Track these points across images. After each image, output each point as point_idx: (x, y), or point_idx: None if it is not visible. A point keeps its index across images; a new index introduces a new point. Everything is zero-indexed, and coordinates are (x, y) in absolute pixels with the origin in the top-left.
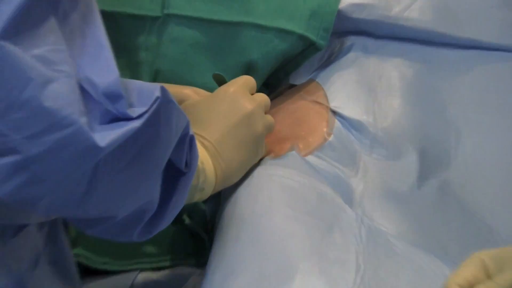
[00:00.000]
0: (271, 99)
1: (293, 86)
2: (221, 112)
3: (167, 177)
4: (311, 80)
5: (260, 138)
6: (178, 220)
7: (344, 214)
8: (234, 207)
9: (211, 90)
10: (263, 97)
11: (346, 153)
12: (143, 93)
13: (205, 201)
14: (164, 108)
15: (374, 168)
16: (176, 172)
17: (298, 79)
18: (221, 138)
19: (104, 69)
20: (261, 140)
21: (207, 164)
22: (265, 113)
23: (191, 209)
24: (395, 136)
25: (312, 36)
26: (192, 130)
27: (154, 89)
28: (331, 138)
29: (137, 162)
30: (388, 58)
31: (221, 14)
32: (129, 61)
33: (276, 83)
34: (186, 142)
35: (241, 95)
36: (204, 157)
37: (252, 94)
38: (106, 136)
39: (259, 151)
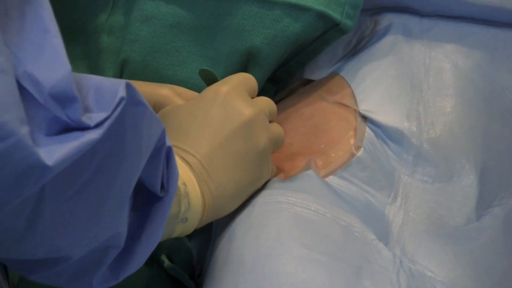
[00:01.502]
0: (280, 100)
1: (310, 82)
2: (211, 120)
3: (137, 203)
4: (334, 75)
5: (264, 154)
6: (154, 261)
7: (378, 254)
8: (230, 245)
9: (198, 88)
10: (266, 102)
11: (380, 173)
12: (103, 93)
13: (190, 237)
14: (131, 113)
15: (418, 193)
16: (149, 196)
17: (316, 72)
18: (211, 154)
19: (50, 61)
20: (265, 157)
21: (192, 186)
22: (271, 121)
23: (172, 247)
24: (447, 150)
25: (335, 14)
26: (170, 142)
27: (117, 87)
28: (360, 153)
29: (96, 184)
30: (438, 43)
31: None
32: (86, 49)
33: (287, 78)
34: (162, 157)
35: (237, 97)
36: (187, 177)
37: (253, 98)
38: (54, 152)
39: (263, 171)
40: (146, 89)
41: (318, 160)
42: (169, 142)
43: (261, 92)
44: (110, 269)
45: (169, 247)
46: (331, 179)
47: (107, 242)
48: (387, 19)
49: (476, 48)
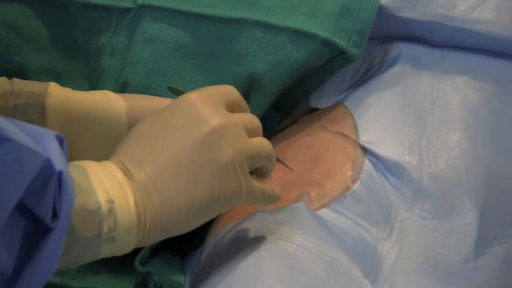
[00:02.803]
0: (284, 128)
1: (315, 110)
2: (169, 128)
3: (25, 234)
4: (338, 104)
5: (229, 168)
6: None
7: None
8: (207, 278)
9: None
10: (246, 116)
11: (376, 207)
12: None
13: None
14: None
15: (415, 229)
16: (39, 226)
17: (322, 100)
18: (161, 165)
19: None
20: (232, 172)
21: (123, 203)
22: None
23: (163, 280)
24: (447, 186)
25: (341, 42)
26: (62, 165)
27: None
28: (356, 186)
29: None
30: (447, 75)
31: (214, 7)
32: (87, 70)
33: (291, 105)
34: (51, 187)
35: (204, 105)
36: (118, 193)
37: (234, 111)
38: None
39: (229, 187)
40: (148, 102)
41: (312, 192)
42: (60, 167)
43: (265, 119)
44: None
45: (160, 279)
46: (323, 211)
47: None
48: (397, 48)
49: (486, 81)
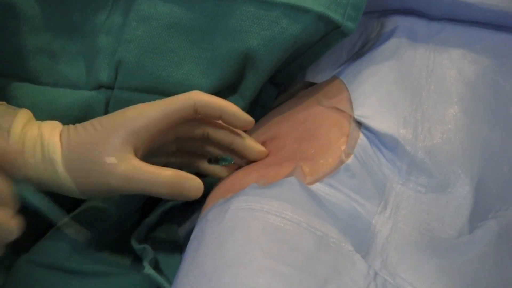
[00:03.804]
0: (281, 103)
1: (312, 85)
2: None
3: None
4: (334, 78)
5: None
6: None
7: (351, 266)
8: (196, 253)
9: (192, 87)
10: None
11: (370, 181)
12: None
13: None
14: None
15: (410, 203)
16: None
17: (318, 75)
18: None
19: None
20: None
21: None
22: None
23: (159, 259)
24: (442, 159)
25: (335, 16)
26: None
27: None
28: (350, 160)
29: None
30: (444, 48)
31: None
32: (83, 49)
33: (288, 80)
34: None
35: None
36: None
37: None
38: None
39: None
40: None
41: (305, 167)
42: None
43: (263, 94)
44: None
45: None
46: (317, 186)
47: None
48: (393, 21)
49: (483, 54)
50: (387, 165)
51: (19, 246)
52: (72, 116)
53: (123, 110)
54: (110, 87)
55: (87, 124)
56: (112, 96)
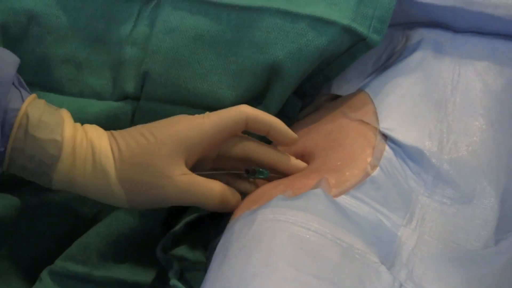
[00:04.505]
0: (306, 115)
1: (337, 97)
2: None
3: None
4: (359, 91)
5: None
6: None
7: (376, 278)
8: (222, 264)
9: (218, 101)
10: None
11: (396, 193)
12: None
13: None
14: None
15: (435, 215)
16: None
17: (343, 87)
18: None
19: None
20: None
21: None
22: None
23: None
24: (468, 171)
25: (361, 28)
26: None
27: None
28: (375, 172)
29: None
30: (469, 61)
31: None
32: (108, 59)
33: (313, 92)
34: None
35: None
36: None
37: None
38: None
39: None
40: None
41: (331, 179)
42: None
43: (287, 106)
44: None
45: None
46: (342, 198)
47: None
48: (419, 34)
49: (508, 66)
50: (413, 177)
51: (45, 257)
52: (100, 126)
53: (171, 121)
54: (136, 98)
55: (134, 133)
56: (138, 107)
